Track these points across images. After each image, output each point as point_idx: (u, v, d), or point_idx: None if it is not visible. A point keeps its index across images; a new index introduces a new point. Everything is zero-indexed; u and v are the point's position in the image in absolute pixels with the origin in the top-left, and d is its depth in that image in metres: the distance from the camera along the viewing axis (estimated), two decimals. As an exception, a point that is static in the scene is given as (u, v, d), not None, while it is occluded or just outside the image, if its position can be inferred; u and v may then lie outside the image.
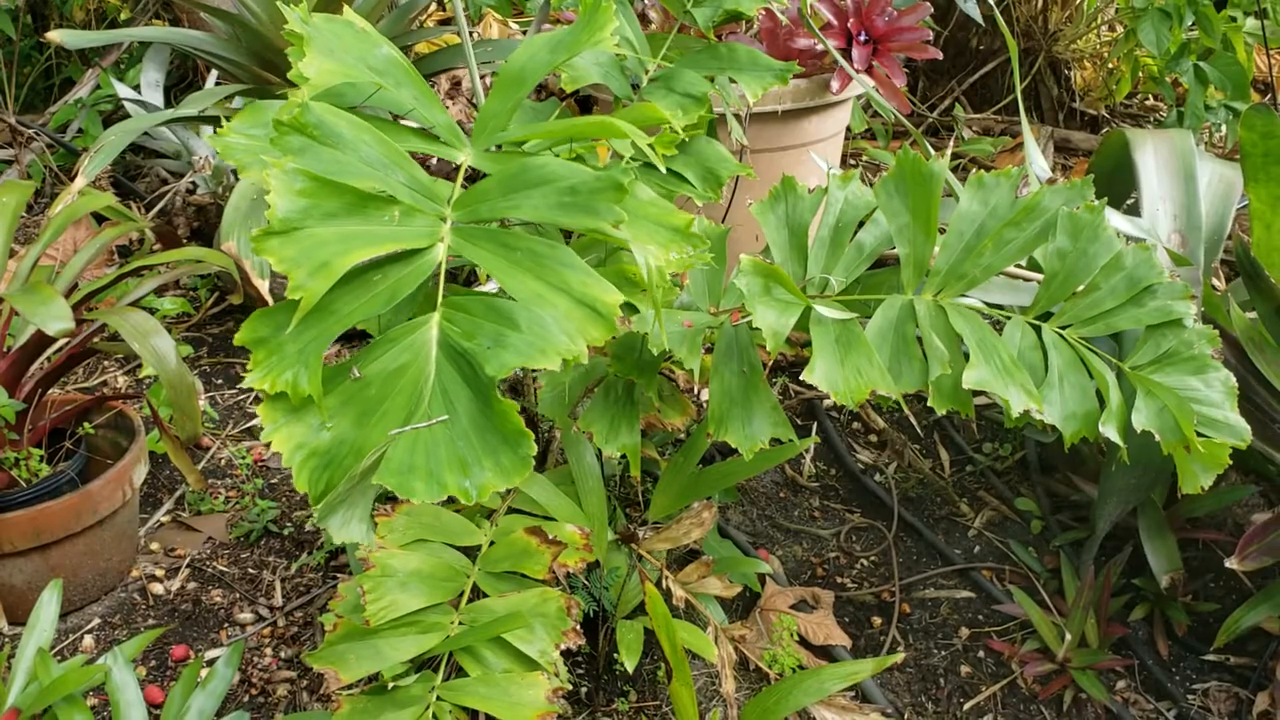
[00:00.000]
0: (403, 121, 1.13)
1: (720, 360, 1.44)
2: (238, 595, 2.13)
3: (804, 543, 2.17)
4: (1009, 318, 1.39)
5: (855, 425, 2.52)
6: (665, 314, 1.45)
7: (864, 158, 3.38)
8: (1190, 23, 3.16)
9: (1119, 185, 2.32)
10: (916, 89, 3.75)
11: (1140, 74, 3.63)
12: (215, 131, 1.02)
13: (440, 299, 0.91)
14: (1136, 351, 1.35)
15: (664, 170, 1.06)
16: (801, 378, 1.30)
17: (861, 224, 1.52)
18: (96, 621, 2.09)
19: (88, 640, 2.06)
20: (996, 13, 2.20)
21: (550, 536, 1.48)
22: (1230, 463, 1.29)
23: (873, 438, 2.47)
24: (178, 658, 2.00)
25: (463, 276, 2.25)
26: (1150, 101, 3.92)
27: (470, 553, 1.53)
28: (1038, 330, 1.36)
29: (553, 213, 0.92)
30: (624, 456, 1.55)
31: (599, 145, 1.44)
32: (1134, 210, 2.13)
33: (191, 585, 2.17)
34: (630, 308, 1.39)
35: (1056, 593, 1.95)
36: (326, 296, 0.88)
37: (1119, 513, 1.76)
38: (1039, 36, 3.53)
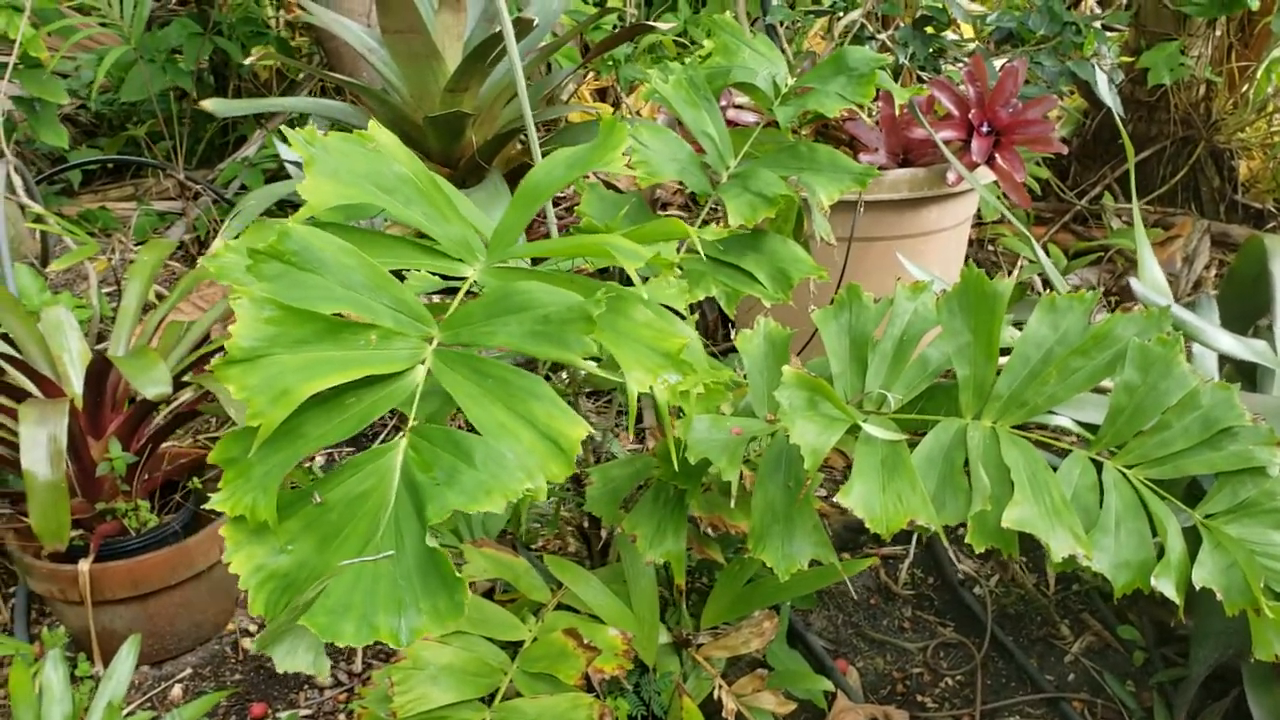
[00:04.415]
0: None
1: (766, 473, 1.40)
2: (321, 657, 2.18)
3: (888, 655, 2.07)
4: (1069, 451, 1.30)
5: (961, 530, 2.40)
6: (715, 420, 1.41)
7: (1000, 246, 3.26)
8: (1368, 115, 2.95)
9: (1263, 294, 2.16)
10: (1068, 174, 3.61)
11: (1318, 165, 3.40)
12: (212, 252, 1.05)
13: (410, 424, 0.91)
14: (1210, 499, 1.24)
15: (644, 292, 1.03)
16: (836, 499, 1.24)
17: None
18: (188, 672, 2.17)
19: (176, 690, 2.13)
20: (1117, 104, 2.09)
21: (586, 640, 1.45)
22: (1309, 630, 1.17)
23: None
24: (256, 716, 2.05)
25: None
26: (1329, 195, 3.66)
27: (514, 648, 1.52)
28: (1099, 468, 1.27)
29: (524, 341, 0.91)
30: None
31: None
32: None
33: (280, 643, 2.22)
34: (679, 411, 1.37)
35: (1150, 735, 1.81)
36: (295, 420, 0.88)
37: (1217, 657, 1.62)
38: (1199, 125, 3.34)
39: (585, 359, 0.89)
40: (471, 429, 0.91)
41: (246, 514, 0.88)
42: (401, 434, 0.91)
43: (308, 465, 2.65)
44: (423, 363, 0.93)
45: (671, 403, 1.07)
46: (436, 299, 1.37)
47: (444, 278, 1.17)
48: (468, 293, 1.01)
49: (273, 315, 0.87)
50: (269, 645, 0.95)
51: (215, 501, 0.90)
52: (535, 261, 1.29)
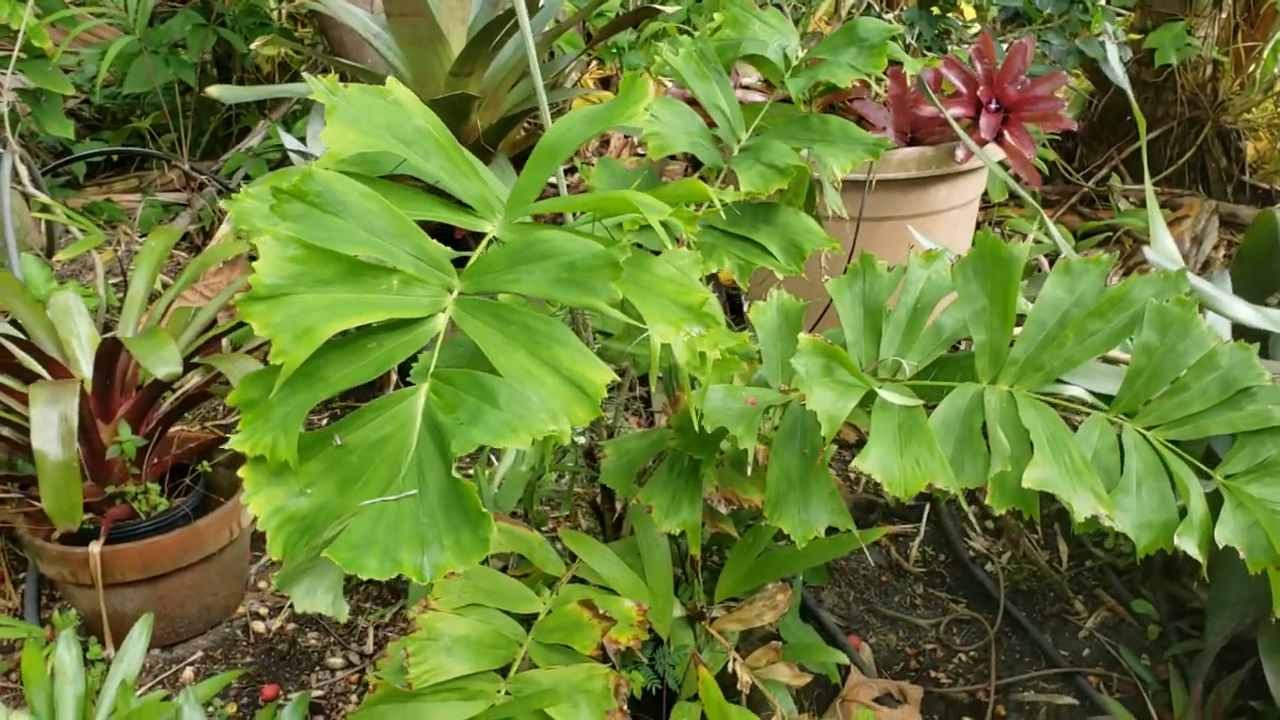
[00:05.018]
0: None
1: (782, 441, 1.39)
2: (332, 639, 2.18)
3: (900, 631, 2.07)
4: (1088, 414, 1.29)
5: (972, 509, 2.40)
6: (730, 390, 1.41)
7: (1006, 227, 3.25)
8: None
9: (1274, 269, 2.15)
10: (1074, 156, 3.60)
11: (1324, 146, 3.40)
12: (232, 196, 1.05)
13: (431, 369, 0.90)
14: (1230, 460, 1.23)
15: (670, 245, 1.03)
16: (854, 464, 1.24)
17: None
18: (199, 654, 2.16)
19: (188, 672, 2.13)
20: (1125, 81, 2.08)
21: (602, 611, 1.45)
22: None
23: (989, 523, 2.35)
24: (268, 697, 2.05)
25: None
26: (1336, 175, 3.65)
27: (529, 620, 1.52)
28: (1118, 429, 1.26)
29: (550, 288, 0.90)
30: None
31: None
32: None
33: (290, 626, 2.22)
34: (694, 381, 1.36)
35: (1166, 707, 1.80)
36: (316, 362, 0.88)
37: (1233, 626, 1.62)
38: (1206, 105, 3.34)
39: (610, 306, 0.88)
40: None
41: (266, 454, 0.88)
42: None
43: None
44: (444, 310, 0.92)
45: (691, 363, 1.07)
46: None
47: (456, 246, 1.17)
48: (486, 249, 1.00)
49: (296, 254, 0.87)
50: (288, 584, 0.95)
51: (234, 442, 0.89)
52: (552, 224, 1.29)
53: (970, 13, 3.74)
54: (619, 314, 0.93)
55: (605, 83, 4.78)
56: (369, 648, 2.15)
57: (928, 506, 2.36)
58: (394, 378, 2.61)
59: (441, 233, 1.12)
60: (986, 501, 1.21)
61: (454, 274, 0.96)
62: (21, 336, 2.09)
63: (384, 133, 1.02)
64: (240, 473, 0.90)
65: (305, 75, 1.08)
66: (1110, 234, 3.21)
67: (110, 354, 2.02)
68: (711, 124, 1.67)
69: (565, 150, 1.09)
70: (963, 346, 1.47)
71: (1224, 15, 3.33)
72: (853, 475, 2.50)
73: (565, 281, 0.90)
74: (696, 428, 1.26)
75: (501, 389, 0.88)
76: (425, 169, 1.04)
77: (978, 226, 3.21)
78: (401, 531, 0.86)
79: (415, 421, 0.89)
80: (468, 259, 1.00)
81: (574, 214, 1.40)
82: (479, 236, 1.07)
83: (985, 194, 2.71)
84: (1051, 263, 3.04)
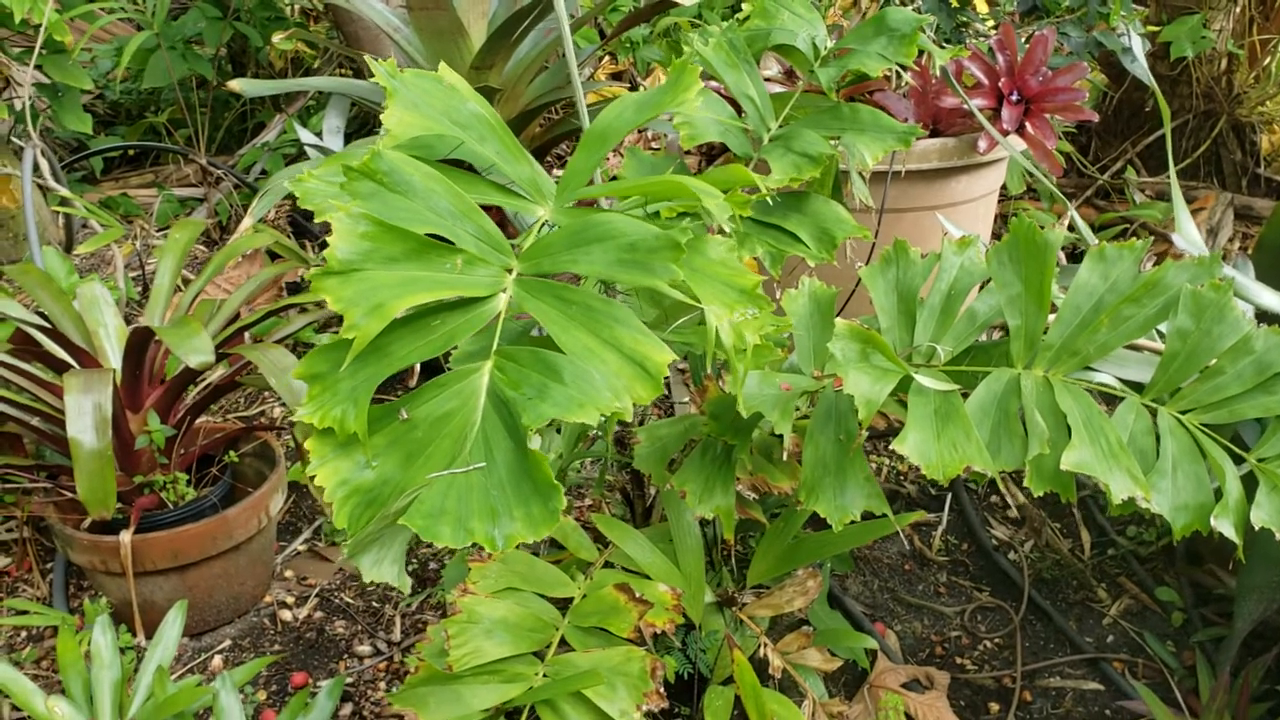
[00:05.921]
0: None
1: (817, 426, 1.41)
2: (359, 628, 2.19)
3: (925, 619, 2.08)
4: (1123, 398, 1.31)
5: (993, 499, 2.41)
6: (764, 376, 1.43)
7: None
8: (1392, 86, 2.95)
9: (1295, 258, 2.17)
10: (1088, 150, 3.61)
11: (1339, 139, 3.40)
12: (296, 178, 1.06)
13: (494, 347, 0.92)
14: (1264, 443, 1.24)
15: (727, 231, 1.05)
16: (892, 447, 1.25)
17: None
18: (227, 643, 2.18)
19: (217, 660, 2.15)
20: (1148, 74, 2.09)
21: (638, 595, 1.46)
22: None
23: (1011, 513, 2.37)
24: (297, 684, 2.07)
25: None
26: (1351, 168, 3.66)
27: (564, 604, 1.53)
28: (1153, 413, 1.28)
29: (611, 269, 0.92)
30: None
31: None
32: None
33: (318, 614, 2.24)
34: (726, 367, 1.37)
35: (1192, 692, 1.81)
36: (383, 338, 0.90)
37: (1261, 611, 1.63)
38: (1221, 99, 3.34)
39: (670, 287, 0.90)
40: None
41: (335, 426, 0.90)
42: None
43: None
44: (504, 290, 0.94)
45: (736, 346, 1.08)
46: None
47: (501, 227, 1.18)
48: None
49: (368, 231, 0.89)
50: (357, 554, 0.97)
51: (302, 414, 0.91)
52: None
53: (983, 7, 3.75)
54: (679, 294, 0.95)
55: (618, 78, 4.80)
56: (396, 636, 2.17)
57: (949, 497, 2.37)
58: (417, 369, 2.63)
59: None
60: (1025, 483, 1.23)
61: (512, 255, 0.97)
62: (48, 327, 2.11)
63: (441, 116, 1.04)
64: (307, 444, 0.92)
65: (368, 60, 1.10)
66: (1126, 226, 3.22)
67: (141, 343, 2.04)
68: (740, 113, 1.68)
69: (615, 136, 1.11)
70: (984, 337, 1.48)
71: (1239, 8, 3.34)
72: (873, 466, 2.51)
73: (626, 262, 0.92)
74: (741, 412, 1.28)
75: (565, 366, 0.89)
76: (481, 152, 1.06)
77: (995, 221, 3.23)
78: (471, 502, 0.88)
79: (479, 397, 0.91)
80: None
81: (608, 199, 1.42)
82: (501, 225, 1.08)
83: (1003, 187, 2.72)
84: (1069, 256, 3.05)
